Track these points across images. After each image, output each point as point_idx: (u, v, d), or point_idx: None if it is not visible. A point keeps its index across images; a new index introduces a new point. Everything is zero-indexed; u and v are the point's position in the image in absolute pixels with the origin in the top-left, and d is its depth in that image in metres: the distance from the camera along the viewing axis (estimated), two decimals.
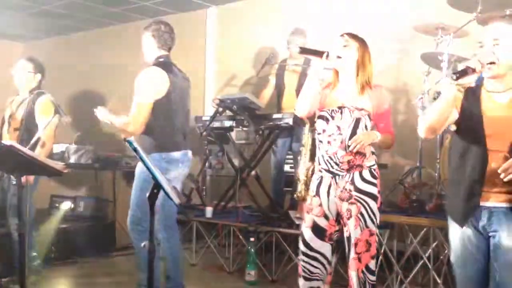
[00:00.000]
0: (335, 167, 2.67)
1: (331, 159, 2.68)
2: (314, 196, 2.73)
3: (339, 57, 2.67)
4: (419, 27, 4.35)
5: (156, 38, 3.40)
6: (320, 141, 2.74)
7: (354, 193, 2.64)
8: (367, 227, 2.62)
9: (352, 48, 2.70)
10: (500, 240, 2.14)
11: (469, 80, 2.13)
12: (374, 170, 2.69)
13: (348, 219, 2.64)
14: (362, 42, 2.74)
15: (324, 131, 2.71)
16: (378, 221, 2.67)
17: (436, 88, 4.09)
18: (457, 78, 2.07)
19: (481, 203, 2.16)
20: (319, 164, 2.75)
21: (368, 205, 2.64)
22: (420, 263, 3.64)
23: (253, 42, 5.88)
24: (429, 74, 4.31)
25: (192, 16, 6.64)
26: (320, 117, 2.74)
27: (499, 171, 2.04)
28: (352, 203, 2.63)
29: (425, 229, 3.55)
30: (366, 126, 2.67)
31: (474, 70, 2.09)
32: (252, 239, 4.12)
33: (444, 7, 4.08)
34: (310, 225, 2.72)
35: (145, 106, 3.23)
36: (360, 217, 2.62)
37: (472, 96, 2.23)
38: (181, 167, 3.37)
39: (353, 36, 2.74)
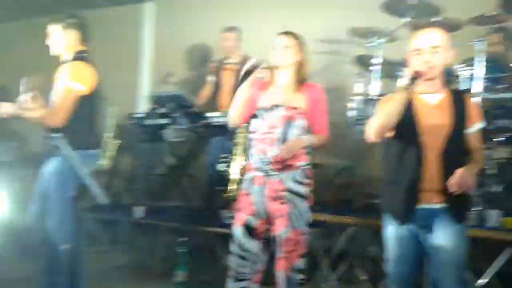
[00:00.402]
0: (267, 166, 2.66)
1: (263, 158, 2.67)
2: (246, 195, 2.72)
3: (277, 56, 2.68)
4: (352, 30, 4.44)
5: (79, 32, 3.24)
6: (253, 140, 2.73)
7: (285, 193, 2.64)
8: (296, 226, 2.62)
9: (291, 47, 2.71)
10: (435, 239, 2.21)
11: (416, 83, 2.21)
12: (306, 170, 2.70)
13: (278, 218, 2.64)
14: (299, 41, 2.75)
15: (257, 129, 2.71)
16: (308, 221, 2.68)
17: (368, 90, 4.18)
18: (412, 83, 2.17)
19: (424, 205, 2.23)
20: (252, 163, 2.74)
21: (299, 205, 2.64)
22: (347, 260, 3.69)
23: (190, 39, 5.80)
24: (361, 76, 4.40)
25: (128, 10, 6.46)
26: (254, 115, 2.73)
27: (449, 185, 2.11)
28: (282, 203, 2.63)
29: (353, 227, 3.61)
30: (299, 126, 2.67)
31: (418, 74, 2.20)
32: (183, 239, 4.04)
33: (377, 12, 4.18)
34: (241, 224, 2.70)
35: (70, 100, 3.07)
36: (290, 217, 2.62)
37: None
38: (97, 165, 3.22)
39: (292, 35, 2.75)
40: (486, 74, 3.54)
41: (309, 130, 2.74)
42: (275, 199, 2.65)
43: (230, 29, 4.89)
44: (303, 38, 2.77)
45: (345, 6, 5.06)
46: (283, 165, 2.64)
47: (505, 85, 3.59)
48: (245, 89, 2.69)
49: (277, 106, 2.68)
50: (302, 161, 2.70)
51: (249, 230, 2.69)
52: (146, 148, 5.04)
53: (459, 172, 2.10)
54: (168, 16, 6.23)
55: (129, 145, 4.95)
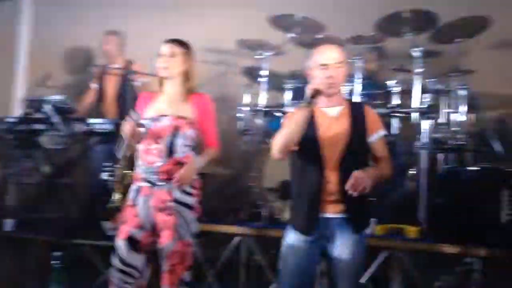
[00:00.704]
0: (153, 176, 2.60)
1: (150, 168, 2.61)
2: (131, 206, 2.64)
3: (164, 65, 2.65)
4: (241, 42, 4.51)
5: None
6: (140, 150, 2.66)
7: (171, 203, 2.59)
8: (182, 238, 2.58)
9: (177, 55, 2.66)
10: (334, 249, 2.29)
11: (317, 100, 2.28)
12: (194, 180, 2.66)
13: (163, 230, 2.58)
14: (187, 50, 2.71)
15: (143, 139, 2.64)
16: (194, 232, 2.65)
17: (257, 101, 4.26)
18: (311, 103, 2.23)
19: (326, 214, 2.30)
20: (138, 173, 2.66)
21: (185, 216, 2.60)
22: (233, 271, 3.71)
23: (71, 40, 5.50)
24: (250, 87, 4.48)
25: (2, 6, 5.96)
26: (141, 125, 2.65)
27: (346, 188, 2.17)
28: (168, 214, 2.58)
29: (239, 237, 3.63)
30: (187, 136, 2.64)
31: (319, 91, 2.26)
32: (59, 253, 3.77)
33: (265, 25, 4.28)
34: (125, 237, 2.61)
35: None
36: (176, 228, 2.57)
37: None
38: None
39: (179, 43, 2.70)
40: (363, 90, 3.79)
41: (197, 140, 2.72)
42: (161, 210, 2.59)
43: (112, 32, 4.72)
44: (190, 46, 2.73)
45: (233, 16, 5.15)
46: (170, 175, 2.58)
47: (380, 102, 3.86)
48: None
49: (163, 116, 2.63)
50: None
51: (133, 243, 2.60)
52: (18, 155, 4.67)
53: (355, 174, 2.18)
54: (47, 14, 5.85)
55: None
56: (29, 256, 4.18)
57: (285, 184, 3.53)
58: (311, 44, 4.20)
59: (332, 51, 2.38)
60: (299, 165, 2.37)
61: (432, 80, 3.74)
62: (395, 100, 3.75)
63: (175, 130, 2.62)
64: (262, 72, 4.25)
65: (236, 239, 3.59)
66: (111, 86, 4.69)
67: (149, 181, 2.62)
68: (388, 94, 3.85)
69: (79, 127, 4.30)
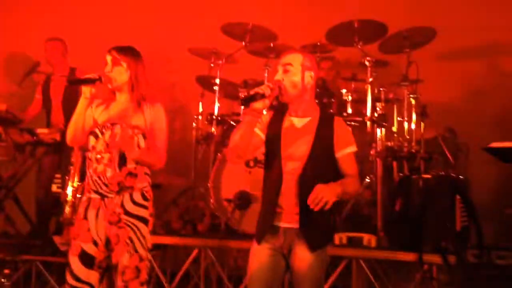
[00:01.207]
0: (104, 188, 2.49)
1: (100, 179, 2.50)
2: (82, 220, 2.51)
3: (109, 74, 2.54)
4: (194, 50, 4.48)
5: None
6: (90, 159, 2.55)
7: (123, 216, 2.48)
8: (136, 252, 2.48)
9: (122, 64, 2.56)
10: (291, 260, 2.27)
11: (261, 105, 2.20)
12: (146, 192, 2.56)
13: (117, 244, 2.48)
14: (133, 56, 2.59)
15: (93, 148, 2.53)
16: (149, 246, 2.55)
17: (210, 110, 4.24)
18: (244, 104, 2.20)
19: (278, 223, 2.27)
20: (88, 184, 2.55)
21: (138, 229, 2.50)
22: (192, 283, 3.67)
23: (10, 48, 5.29)
24: (203, 96, 4.45)
25: None
26: (91, 133, 2.55)
27: (308, 203, 2.12)
28: (120, 227, 2.47)
29: (197, 249, 3.60)
30: (139, 145, 2.53)
31: (263, 96, 2.17)
32: (6, 270, 3.60)
33: (218, 33, 4.27)
34: (78, 253, 2.49)
35: None
36: (129, 242, 2.47)
37: (275, 121, 2.35)
38: None
39: (123, 51, 2.58)
40: (317, 98, 3.84)
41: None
42: (113, 223, 2.48)
43: (54, 39, 4.54)
44: (136, 53, 2.61)
45: (185, 23, 5.11)
46: (121, 186, 2.49)
47: (333, 111, 3.93)
48: (82, 111, 2.53)
49: (115, 124, 2.54)
50: (142, 182, 2.55)
51: (86, 259, 2.48)
52: None
53: (316, 187, 2.11)
54: None
55: None
56: None
57: (243, 195, 3.52)
58: (263, 53, 4.26)
59: (283, 57, 2.34)
60: (264, 173, 2.36)
61: (383, 89, 3.84)
62: (348, 109, 3.83)
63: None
64: (215, 81, 4.23)
65: (195, 251, 3.55)
66: (57, 94, 4.52)
67: (99, 193, 2.50)
68: (341, 103, 3.93)
69: (25, 138, 4.13)
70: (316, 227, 2.25)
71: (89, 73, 2.53)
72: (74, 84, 2.66)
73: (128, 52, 2.59)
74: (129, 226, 2.48)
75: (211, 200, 3.71)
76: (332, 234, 2.49)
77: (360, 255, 3.26)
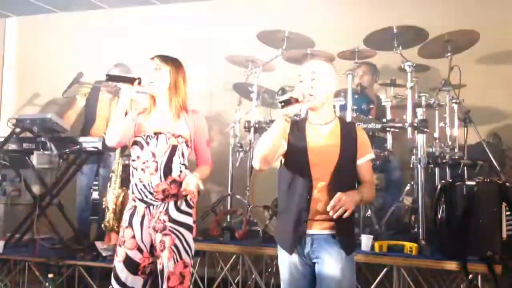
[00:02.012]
0: (149, 196, 2.53)
1: (145, 187, 2.54)
2: (127, 227, 2.56)
3: (151, 82, 2.57)
4: (231, 58, 4.52)
5: None
6: (135, 168, 2.58)
7: (168, 223, 2.52)
8: (181, 259, 2.51)
9: (164, 71, 2.59)
10: (322, 266, 2.25)
11: (294, 110, 2.21)
12: (190, 199, 2.60)
13: (162, 251, 2.51)
14: (174, 65, 2.63)
15: (138, 157, 2.57)
16: (193, 252, 2.57)
17: (247, 118, 4.26)
18: (283, 107, 2.16)
19: (312, 231, 2.26)
20: (133, 193, 2.59)
21: (183, 236, 2.53)
22: None
23: (58, 59, 5.46)
24: (241, 103, 4.47)
25: None
26: (135, 142, 2.59)
27: (327, 209, 2.14)
28: (166, 235, 2.51)
29: (234, 256, 3.60)
30: (183, 154, 2.58)
31: (297, 100, 2.18)
32: (50, 275, 3.69)
33: (254, 41, 4.30)
34: (123, 259, 2.54)
35: None
36: (174, 249, 2.50)
37: (297, 128, 2.35)
38: None
39: (164, 59, 2.63)
40: (354, 105, 3.80)
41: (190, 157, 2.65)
42: (158, 230, 2.52)
43: (118, 65, 4.66)
44: (178, 62, 2.66)
45: (223, 32, 5.16)
46: (166, 194, 2.53)
47: (371, 116, 3.88)
48: (123, 111, 2.55)
49: (159, 133, 2.57)
50: None
51: (131, 265, 2.53)
52: (8, 175, 4.60)
53: (337, 195, 2.14)
54: (34, 34, 5.82)
55: None
56: (22, 278, 4.08)
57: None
58: (300, 60, 4.25)
59: (310, 65, 2.36)
60: (287, 180, 2.32)
61: (424, 94, 3.76)
62: (388, 115, 3.77)
63: (172, 149, 2.55)
64: (252, 88, 4.24)
65: (233, 258, 3.55)
66: (101, 104, 4.65)
67: (144, 201, 2.55)
68: (380, 109, 3.87)
69: (68, 146, 4.24)
70: (346, 233, 2.28)
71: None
72: (112, 80, 2.64)
73: (170, 60, 2.64)
74: (174, 233, 2.51)
75: (249, 207, 3.71)
76: (356, 238, 2.50)
77: (401, 263, 3.19)
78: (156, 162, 2.54)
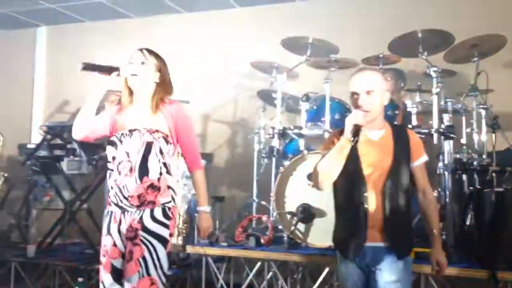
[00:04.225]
0: (124, 201, 2.30)
1: (120, 191, 2.31)
2: (106, 235, 2.36)
3: (134, 74, 2.36)
4: (256, 64, 4.55)
5: None
6: (111, 170, 2.36)
7: (140, 232, 2.27)
8: (148, 275, 2.25)
9: (150, 65, 2.40)
10: (381, 277, 2.23)
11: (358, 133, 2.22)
12: (169, 208, 2.35)
13: (128, 262, 2.26)
14: (161, 60, 2.45)
15: (114, 158, 2.34)
16: (165, 270, 2.31)
17: (271, 124, 4.28)
18: (357, 141, 2.18)
19: (367, 243, 2.24)
20: (109, 197, 2.37)
21: (155, 249, 2.28)
22: None
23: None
24: (265, 110, 4.50)
25: (20, 35, 6.11)
26: (110, 142, 2.38)
27: (431, 273, 2.26)
28: (135, 244, 2.26)
29: (260, 262, 3.62)
30: (161, 151, 2.34)
31: (361, 126, 2.19)
32: (80, 279, 3.78)
33: (278, 48, 4.32)
34: (109, 270, 2.33)
35: None
36: (142, 262, 2.25)
37: None
38: None
39: (153, 53, 2.44)
40: None
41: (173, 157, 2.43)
42: (129, 238, 2.30)
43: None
44: (161, 57, 2.48)
45: (247, 39, 5.20)
46: (142, 200, 2.30)
47: (397, 123, 3.84)
48: (94, 102, 2.39)
49: (134, 130, 2.34)
50: (165, 197, 2.35)
51: (117, 274, 2.32)
52: (39, 181, 4.72)
53: (441, 262, 2.35)
54: (64, 42, 5.97)
55: (20, 178, 4.59)
56: (52, 282, 4.18)
57: (305, 208, 3.51)
58: (324, 66, 4.25)
59: (363, 78, 2.31)
60: (342, 189, 2.32)
61: (450, 100, 3.72)
62: (414, 121, 3.74)
63: (147, 146, 2.31)
64: (276, 94, 4.26)
65: (258, 264, 3.57)
66: None
67: (119, 206, 2.33)
68: (406, 115, 3.84)
69: (97, 152, 4.33)
70: (398, 240, 2.26)
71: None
72: (87, 69, 2.31)
73: (156, 54, 2.47)
74: (144, 243, 2.27)
75: (274, 213, 3.73)
76: (411, 245, 2.41)
77: (429, 272, 3.14)
78: (130, 162, 2.30)
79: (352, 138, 2.18)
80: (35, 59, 6.09)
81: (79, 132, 2.41)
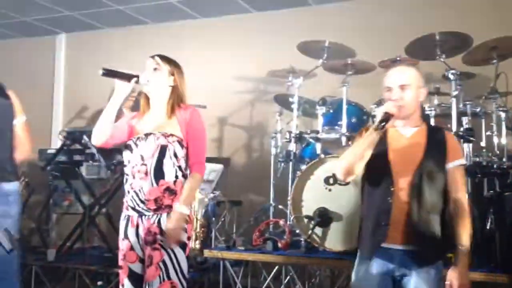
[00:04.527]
0: (141, 205, 2.32)
1: (137, 195, 2.32)
2: (123, 239, 2.38)
3: (147, 80, 2.41)
4: (271, 69, 4.56)
5: None
6: (127, 174, 2.39)
7: (159, 237, 2.29)
8: (168, 278, 2.27)
9: (163, 71, 2.44)
10: (408, 284, 2.14)
11: (388, 125, 2.15)
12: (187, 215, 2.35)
13: (148, 267, 2.28)
14: (175, 65, 2.49)
15: (129, 162, 2.38)
16: (185, 273, 2.34)
17: (288, 128, 4.28)
18: (383, 127, 2.10)
19: (390, 245, 2.14)
20: (126, 201, 2.39)
21: (174, 253, 2.30)
22: None
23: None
24: (282, 114, 4.50)
25: (40, 42, 6.21)
26: (126, 146, 2.42)
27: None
28: (155, 249, 2.28)
29: (277, 266, 3.61)
30: (176, 154, 2.35)
31: (392, 115, 2.12)
32: (99, 282, 3.82)
33: (295, 52, 4.32)
34: (127, 274, 2.35)
35: None
36: (162, 266, 2.27)
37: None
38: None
39: (165, 59, 2.48)
40: None
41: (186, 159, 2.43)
42: (148, 243, 2.31)
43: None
44: (178, 64, 2.52)
45: (264, 44, 5.22)
46: (159, 204, 2.31)
47: None
48: (114, 108, 2.38)
49: (149, 134, 2.38)
50: None
51: (135, 279, 2.34)
52: (59, 186, 4.79)
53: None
54: (83, 49, 6.06)
55: (41, 183, 4.66)
56: (72, 285, 4.22)
57: (323, 212, 3.50)
58: (340, 70, 4.25)
59: (398, 73, 2.25)
60: (368, 185, 2.24)
61: (469, 103, 3.68)
62: (432, 124, 3.71)
63: (161, 149, 2.33)
64: (293, 99, 4.26)
65: (276, 268, 3.56)
66: None
67: (136, 210, 2.34)
68: (423, 118, 3.81)
69: (115, 157, 4.37)
70: (424, 245, 2.14)
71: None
72: (108, 75, 2.35)
73: (171, 60, 2.50)
74: (164, 248, 2.29)
75: (291, 217, 3.72)
76: (443, 251, 2.31)
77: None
78: (145, 165, 2.32)
79: (380, 125, 2.08)
80: (54, 66, 6.19)
81: (98, 139, 2.42)
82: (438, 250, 2.21)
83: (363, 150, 2.14)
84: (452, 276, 2.14)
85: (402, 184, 2.15)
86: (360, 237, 2.30)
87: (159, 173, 2.31)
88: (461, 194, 2.24)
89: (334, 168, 2.24)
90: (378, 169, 2.19)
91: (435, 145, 2.21)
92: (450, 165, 2.21)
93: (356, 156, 2.15)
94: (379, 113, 2.14)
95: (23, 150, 2.94)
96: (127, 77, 2.35)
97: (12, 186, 2.86)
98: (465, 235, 2.21)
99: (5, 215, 2.87)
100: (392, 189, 2.14)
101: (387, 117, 2.11)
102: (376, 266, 2.17)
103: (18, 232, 3.11)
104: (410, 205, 2.13)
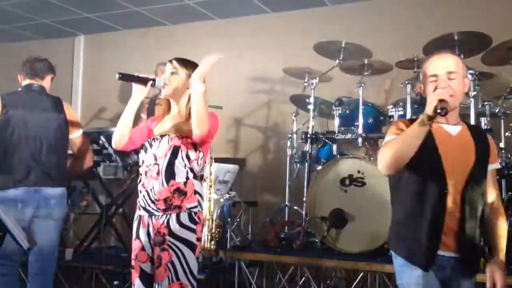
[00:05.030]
0: (151, 205, 2.31)
1: (148, 195, 2.32)
2: (135, 239, 2.39)
3: (166, 84, 2.41)
4: (288, 70, 4.55)
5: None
6: (141, 174, 2.39)
7: (168, 237, 2.28)
8: (177, 280, 2.26)
9: (181, 75, 2.45)
10: None
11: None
12: (195, 213, 2.34)
13: (157, 268, 2.29)
14: (192, 68, 2.43)
15: (143, 162, 2.38)
16: (195, 274, 2.32)
17: (304, 129, 4.27)
18: (446, 113, 1.86)
19: (444, 253, 1.98)
20: (138, 201, 2.39)
21: (183, 254, 2.28)
22: None
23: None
24: (298, 115, 4.49)
25: (59, 43, 6.30)
26: (142, 147, 2.44)
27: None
28: (164, 250, 2.28)
29: (292, 267, 3.61)
30: (188, 156, 2.35)
31: (447, 103, 1.86)
32: (116, 282, 3.85)
33: (311, 53, 4.31)
34: (139, 274, 2.37)
35: None
36: (170, 267, 2.26)
37: None
38: (21, 207, 2.94)
39: (182, 63, 2.48)
40: (414, 115, 3.72)
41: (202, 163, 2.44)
42: (157, 244, 2.31)
43: (164, 64, 4.82)
44: (195, 64, 2.48)
45: (280, 45, 5.22)
46: (168, 205, 2.30)
47: None
48: (131, 111, 2.40)
49: (164, 135, 2.39)
50: (191, 202, 2.34)
51: (146, 279, 2.35)
52: (77, 187, 4.84)
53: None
54: (101, 51, 6.13)
55: None
56: (89, 285, 4.26)
57: (338, 213, 3.48)
58: (357, 70, 4.22)
59: (443, 60, 2.02)
60: (415, 187, 2.01)
61: (488, 103, 3.63)
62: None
63: (174, 150, 2.33)
64: (309, 99, 4.25)
65: (291, 269, 3.56)
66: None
67: (147, 210, 2.34)
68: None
69: (132, 158, 4.40)
70: (472, 253, 2.02)
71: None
72: (125, 79, 2.36)
73: (189, 63, 2.49)
74: (172, 249, 2.28)
75: (306, 218, 3.71)
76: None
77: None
78: (158, 164, 2.31)
79: (442, 111, 1.81)
80: (73, 67, 6.27)
81: (119, 142, 2.42)
82: (479, 256, 2.10)
83: (413, 143, 1.88)
84: (496, 276, 1.99)
85: (456, 187, 1.98)
86: (404, 243, 2.07)
87: (170, 173, 2.31)
88: (498, 197, 2.13)
89: (379, 161, 1.96)
90: (427, 171, 2.00)
91: (482, 146, 2.06)
92: (490, 167, 2.09)
93: (404, 149, 1.89)
94: (432, 97, 1.85)
95: (87, 161, 3.33)
96: (143, 81, 2.37)
97: (56, 191, 3.07)
98: (503, 238, 2.07)
99: (47, 217, 3.04)
100: (445, 191, 1.97)
101: (444, 106, 1.83)
102: (432, 274, 1.99)
103: (59, 234, 3.25)
104: (463, 210, 1.97)
